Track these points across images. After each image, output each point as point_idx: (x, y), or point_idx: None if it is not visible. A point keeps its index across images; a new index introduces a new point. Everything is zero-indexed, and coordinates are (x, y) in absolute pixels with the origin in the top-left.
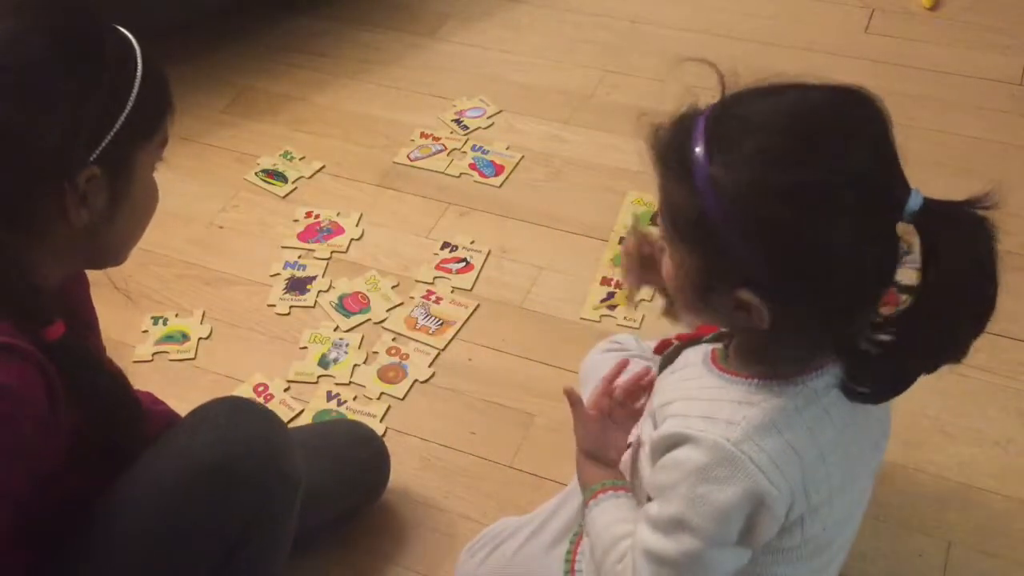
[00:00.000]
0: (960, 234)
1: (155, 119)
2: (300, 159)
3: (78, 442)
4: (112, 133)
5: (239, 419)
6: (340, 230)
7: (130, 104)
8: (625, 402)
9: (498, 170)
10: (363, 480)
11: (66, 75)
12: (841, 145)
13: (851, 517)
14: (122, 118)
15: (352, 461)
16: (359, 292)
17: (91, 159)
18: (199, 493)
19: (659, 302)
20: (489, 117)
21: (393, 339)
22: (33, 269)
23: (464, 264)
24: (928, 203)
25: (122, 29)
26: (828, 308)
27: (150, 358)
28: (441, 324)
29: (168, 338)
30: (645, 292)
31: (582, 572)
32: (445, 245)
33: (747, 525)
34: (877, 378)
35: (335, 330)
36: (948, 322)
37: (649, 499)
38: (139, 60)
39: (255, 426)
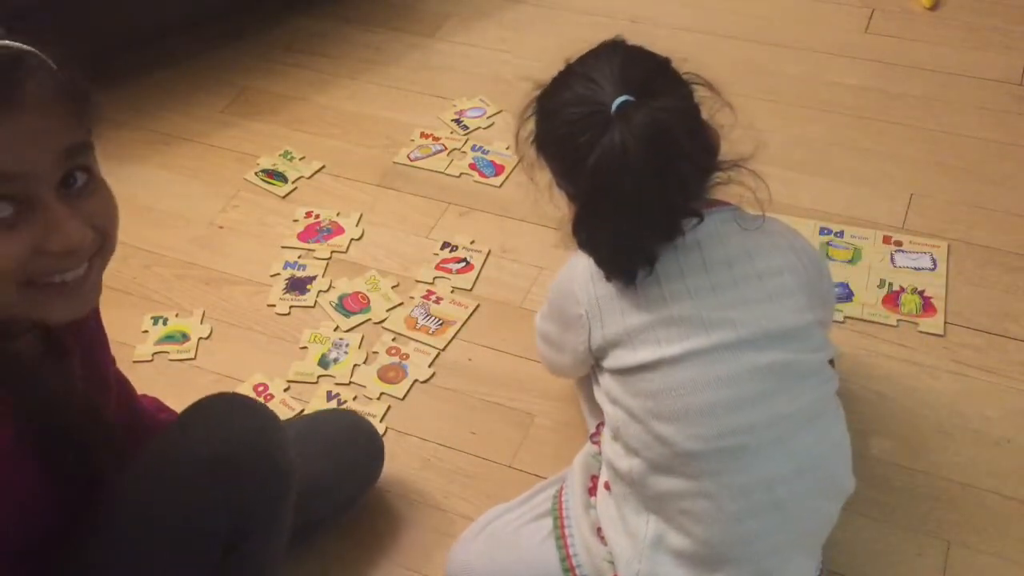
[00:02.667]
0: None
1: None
2: (300, 159)
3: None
4: None
5: (233, 414)
6: (340, 230)
7: None
8: None
9: (498, 170)
10: (360, 468)
11: None
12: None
13: (718, 381)
14: None
15: (348, 450)
16: (359, 292)
17: None
18: (196, 487)
19: None
20: (489, 117)
21: (393, 339)
22: None
23: (464, 264)
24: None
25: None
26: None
27: (150, 358)
28: (441, 324)
29: (168, 338)
30: None
31: (577, 555)
32: (445, 245)
33: (562, 319)
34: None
35: (335, 330)
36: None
37: None
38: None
39: (249, 420)
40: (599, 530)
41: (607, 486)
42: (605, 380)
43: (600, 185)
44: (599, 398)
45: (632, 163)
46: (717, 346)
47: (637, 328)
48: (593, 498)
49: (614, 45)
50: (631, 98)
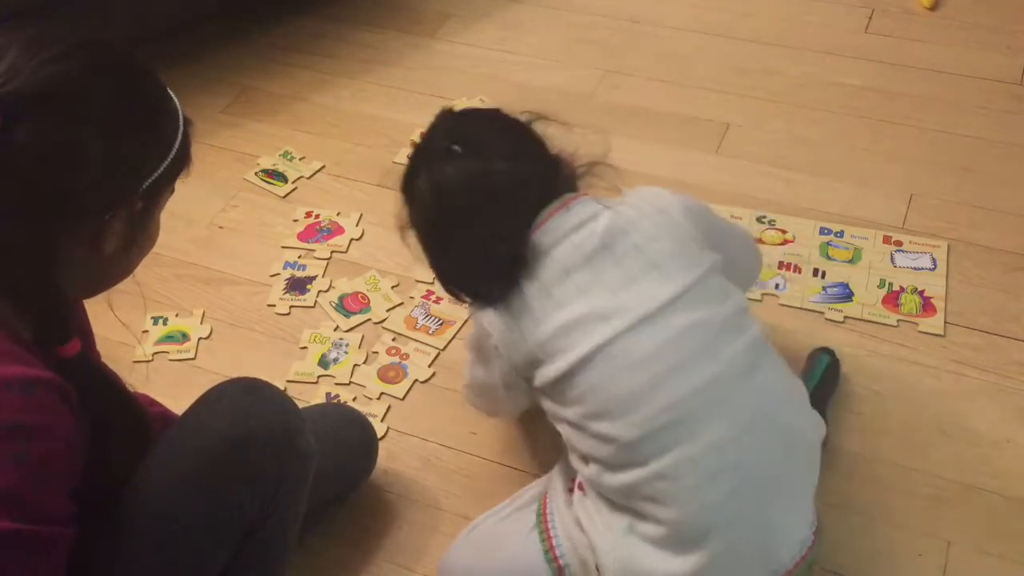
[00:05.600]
0: None
1: (182, 166)
2: (300, 159)
3: (88, 451)
4: (160, 170)
5: (253, 397)
6: (340, 230)
7: (176, 147)
8: None
9: None
10: (356, 461)
11: (135, 119)
12: None
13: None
14: (169, 159)
15: (345, 442)
16: (359, 292)
17: (138, 194)
18: (219, 470)
19: None
20: None
21: (393, 339)
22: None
23: None
24: None
25: (169, 89)
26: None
27: (150, 358)
28: (441, 324)
29: (168, 338)
30: None
31: (560, 545)
32: None
33: (482, 355)
34: None
35: (335, 330)
36: None
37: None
38: (181, 113)
39: (269, 404)
40: (579, 522)
41: (581, 487)
42: (542, 401)
43: (439, 214)
44: (562, 432)
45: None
46: (620, 333)
47: (543, 342)
48: (573, 495)
49: (443, 115)
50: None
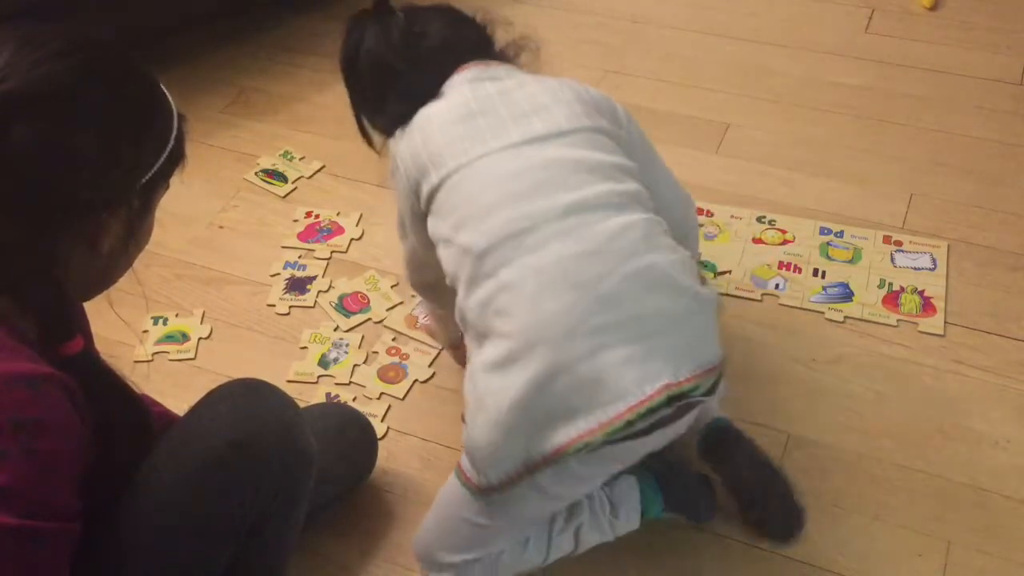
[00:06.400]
0: None
1: (177, 163)
2: (300, 159)
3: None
4: (151, 172)
5: (255, 398)
6: (340, 230)
7: (170, 145)
8: None
9: None
10: (356, 461)
11: (129, 116)
12: None
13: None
14: (163, 157)
15: (344, 442)
16: (359, 292)
17: (134, 192)
18: (221, 471)
19: None
20: None
21: (393, 338)
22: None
23: None
24: None
25: (162, 86)
26: None
27: (150, 358)
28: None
29: (168, 338)
30: None
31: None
32: None
33: (400, 196)
34: None
35: (335, 330)
36: None
37: None
38: (175, 110)
39: (271, 405)
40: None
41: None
42: (429, 221)
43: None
44: (440, 259)
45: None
46: (496, 149)
47: (432, 152)
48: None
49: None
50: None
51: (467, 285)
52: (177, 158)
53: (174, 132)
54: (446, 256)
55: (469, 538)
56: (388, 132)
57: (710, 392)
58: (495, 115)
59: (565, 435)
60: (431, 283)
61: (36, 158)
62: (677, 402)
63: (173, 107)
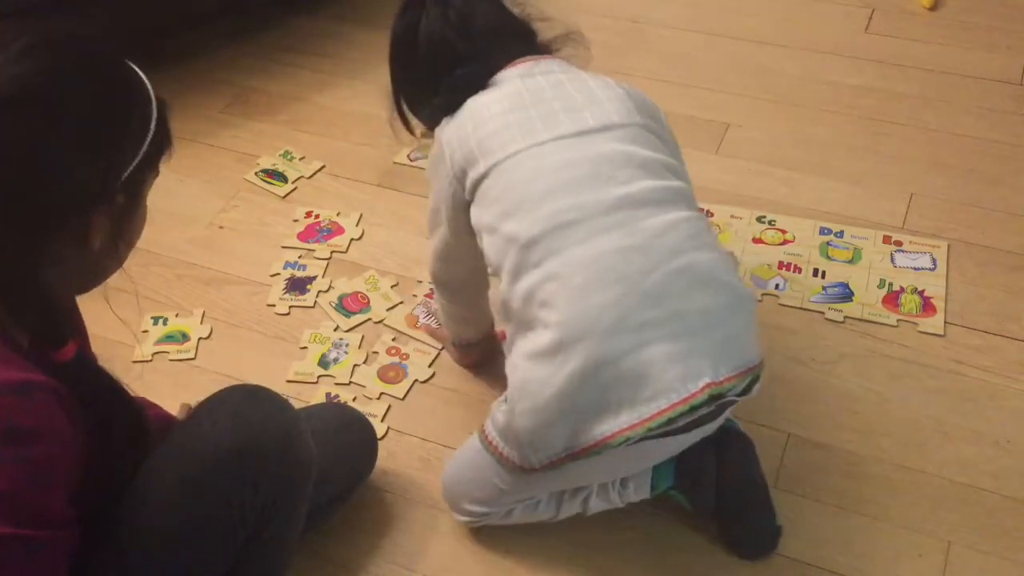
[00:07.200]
0: None
1: (161, 152)
2: (300, 159)
3: (86, 454)
4: (136, 162)
5: (255, 405)
6: (340, 230)
7: (149, 136)
8: None
9: None
10: (355, 461)
11: (105, 109)
12: None
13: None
14: (143, 149)
15: (344, 442)
16: (359, 292)
17: (117, 188)
18: (220, 476)
19: None
20: None
21: (393, 338)
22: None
23: None
24: None
25: (133, 65)
26: None
27: (150, 358)
28: (442, 324)
29: (168, 338)
30: None
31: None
32: None
33: (437, 168)
34: None
35: (335, 330)
36: None
37: None
38: (153, 97)
39: (270, 412)
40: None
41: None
42: (472, 210)
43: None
44: (483, 248)
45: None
46: (548, 140)
47: (482, 137)
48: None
49: None
50: None
51: (512, 274)
52: (161, 145)
53: (153, 121)
54: (489, 244)
55: (490, 495)
56: (434, 120)
57: (747, 391)
58: (547, 106)
59: (609, 427)
60: (455, 278)
61: (9, 161)
62: (717, 400)
63: (151, 94)
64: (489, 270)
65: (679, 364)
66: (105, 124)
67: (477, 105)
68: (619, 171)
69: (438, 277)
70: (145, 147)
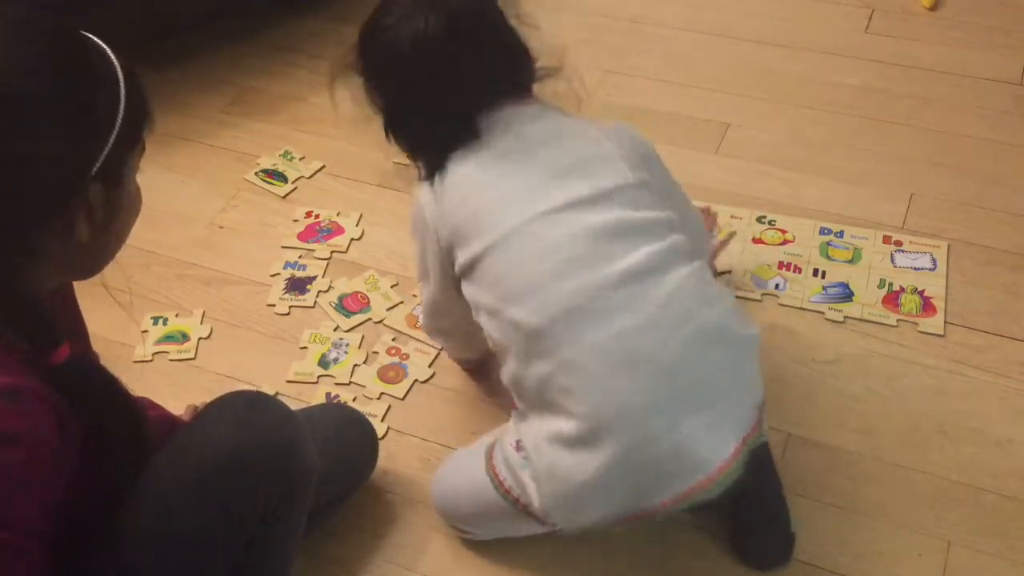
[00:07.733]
0: None
1: (139, 128)
2: (300, 159)
3: (83, 457)
4: (107, 148)
5: (256, 411)
6: (340, 230)
7: (120, 118)
8: None
9: None
10: (356, 462)
11: (65, 99)
12: None
13: (531, 255)
14: (115, 132)
15: (344, 443)
16: (359, 292)
17: (92, 175)
18: (221, 483)
19: None
20: None
21: (393, 338)
22: (37, 290)
23: None
24: None
25: (96, 39)
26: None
27: (150, 358)
28: None
29: (168, 338)
30: None
31: (501, 471)
32: None
33: (424, 252)
34: None
35: (335, 330)
36: None
37: None
38: (120, 72)
39: (272, 417)
40: (518, 443)
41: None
42: (465, 289)
43: (406, 63)
44: (482, 324)
45: (431, 39)
46: (536, 216)
47: (467, 217)
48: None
49: None
50: None
51: (521, 358)
52: (138, 121)
53: (122, 100)
54: (492, 326)
55: (487, 523)
56: (425, 174)
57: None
58: (535, 173)
59: (648, 503)
60: (448, 329)
61: None
62: (746, 459)
63: (117, 70)
64: (491, 344)
65: (713, 434)
66: (66, 110)
67: (459, 177)
68: (617, 243)
69: (429, 329)
70: (116, 129)
